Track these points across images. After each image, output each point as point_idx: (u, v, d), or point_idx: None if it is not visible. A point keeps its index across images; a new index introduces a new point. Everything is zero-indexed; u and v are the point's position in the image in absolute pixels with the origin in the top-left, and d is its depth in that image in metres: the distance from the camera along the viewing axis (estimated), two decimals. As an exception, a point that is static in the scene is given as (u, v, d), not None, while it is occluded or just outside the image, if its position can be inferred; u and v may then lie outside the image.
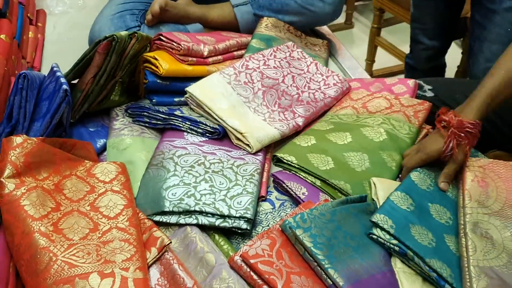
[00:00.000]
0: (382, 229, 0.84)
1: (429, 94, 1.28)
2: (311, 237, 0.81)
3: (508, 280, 0.77)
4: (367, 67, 2.80)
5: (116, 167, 0.98)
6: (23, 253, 0.78)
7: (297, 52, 1.33)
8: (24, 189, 0.85)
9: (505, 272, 0.78)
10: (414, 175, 0.97)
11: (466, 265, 0.80)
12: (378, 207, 0.91)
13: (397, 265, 0.83)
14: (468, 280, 0.78)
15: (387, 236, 0.84)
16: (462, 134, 0.93)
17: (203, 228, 0.90)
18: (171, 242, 0.83)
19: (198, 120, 1.10)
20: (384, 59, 2.92)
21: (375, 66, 2.88)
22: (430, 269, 0.80)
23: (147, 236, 0.86)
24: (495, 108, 0.99)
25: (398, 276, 0.81)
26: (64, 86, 0.95)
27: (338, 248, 0.82)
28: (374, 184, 0.97)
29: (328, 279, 0.78)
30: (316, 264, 0.80)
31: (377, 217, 0.85)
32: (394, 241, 0.83)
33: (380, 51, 2.80)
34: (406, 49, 2.25)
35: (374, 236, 0.85)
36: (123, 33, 1.07)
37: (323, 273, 0.78)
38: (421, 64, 2.07)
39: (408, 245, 0.82)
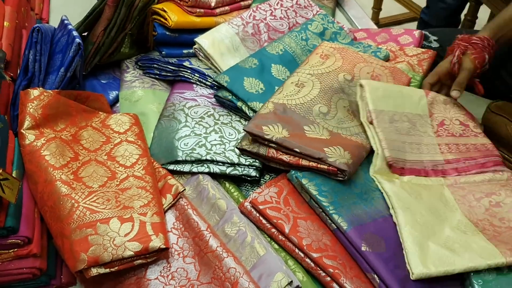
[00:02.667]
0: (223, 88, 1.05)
1: (435, 45, 1.29)
2: (316, 186, 0.86)
3: (291, 115, 0.95)
4: (374, 16, 2.77)
5: (130, 118, 1.02)
6: (46, 200, 0.83)
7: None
8: (44, 140, 0.89)
9: (294, 110, 0.97)
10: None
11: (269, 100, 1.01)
12: (365, 108, 1.00)
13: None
14: (264, 107, 0.98)
15: (225, 94, 1.05)
16: (467, 45, 1.02)
17: (214, 176, 0.95)
18: (185, 189, 0.88)
19: (206, 74, 1.12)
20: (390, 7, 2.89)
21: (382, 14, 2.84)
22: (250, 109, 1.03)
23: (162, 184, 0.91)
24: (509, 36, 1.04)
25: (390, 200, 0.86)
26: (77, 40, 0.98)
27: (342, 195, 0.87)
28: (362, 86, 1.02)
29: (333, 224, 0.83)
30: (321, 210, 0.85)
31: (219, 77, 1.06)
32: (229, 96, 1.04)
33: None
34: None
35: (217, 98, 1.08)
36: (132, -15, 1.08)
37: (328, 218, 0.83)
38: (438, 21, 2.04)
39: (236, 93, 1.03)
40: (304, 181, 0.87)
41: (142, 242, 0.79)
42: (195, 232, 0.83)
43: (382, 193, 0.91)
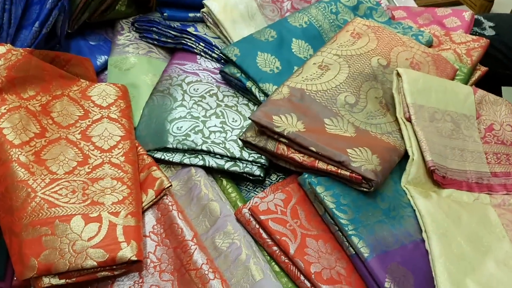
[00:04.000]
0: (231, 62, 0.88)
1: (489, 32, 1.09)
2: (334, 197, 0.69)
3: (310, 103, 0.78)
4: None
5: (117, 90, 0.85)
6: (-2, 184, 0.67)
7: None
8: (5, 108, 0.73)
9: (314, 98, 0.79)
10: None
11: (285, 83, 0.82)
12: (402, 102, 0.82)
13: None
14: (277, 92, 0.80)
15: (232, 70, 0.88)
16: None
17: (209, 170, 0.78)
18: (171, 185, 0.71)
19: (214, 44, 0.94)
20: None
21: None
22: (260, 92, 0.86)
23: (144, 175, 0.74)
24: None
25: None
26: (57, -11, 0.80)
27: (365, 211, 0.69)
28: (399, 75, 0.84)
29: (350, 248, 0.66)
30: (337, 228, 0.67)
31: (227, 49, 0.89)
32: (237, 73, 0.87)
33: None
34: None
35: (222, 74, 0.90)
36: None
37: (345, 240, 0.66)
38: None
39: (246, 71, 0.86)
40: (319, 189, 0.69)
41: (109, 250, 0.62)
42: (177, 241, 0.66)
43: (414, 210, 0.73)
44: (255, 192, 0.79)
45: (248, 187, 0.80)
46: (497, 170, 0.84)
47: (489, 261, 0.70)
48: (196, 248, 0.65)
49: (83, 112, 0.80)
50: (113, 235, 0.64)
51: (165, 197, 0.72)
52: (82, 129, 0.77)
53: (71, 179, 0.69)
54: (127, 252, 0.62)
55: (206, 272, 0.62)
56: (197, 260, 0.64)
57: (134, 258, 0.62)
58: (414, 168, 0.77)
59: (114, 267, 0.63)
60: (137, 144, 0.79)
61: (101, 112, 0.80)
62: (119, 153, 0.75)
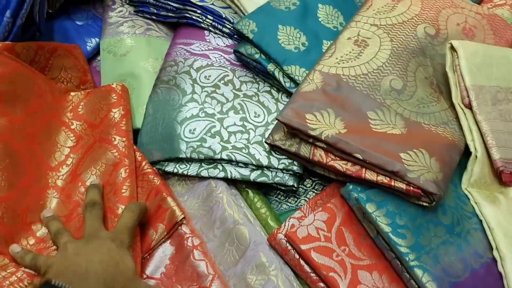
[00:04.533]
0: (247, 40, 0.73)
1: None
2: (388, 217, 0.56)
3: (348, 93, 0.64)
4: None
5: (112, 96, 0.69)
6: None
7: None
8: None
9: (353, 85, 0.65)
10: None
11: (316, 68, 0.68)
12: (459, 83, 0.68)
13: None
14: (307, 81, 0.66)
15: (249, 50, 0.73)
16: None
17: (232, 180, 0.66)
18: (184, 218, 0.59)
19: (224, 16, 0.78)
20: None
21: None
22: (285, 77, 0.71)
23: (152, 206, 0.61)
24: None
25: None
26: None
27: (426, 231, 0.57)
28: (454, 49, 0.69)
29: (412, 281, 0.54)
30: (394, 256, 0.56)
31: (241, 23, 0.73)
32: (255, 54, 0.72)
33: None
34: None
35: (237, 55, 0.75)
36: None
37: (405, 271, 0.55)
38: None
39: (267, 51, 0.71)
40: (369, 208, 0.57)
41: None
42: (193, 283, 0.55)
43: (481, 220, 0.61)
44: (288, 203, 0.67)
45: (279, 197, 0.68)
46: None
47: None
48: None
49: (74, 141, 0.66)
50: None
51: (180, 227, 0.60)
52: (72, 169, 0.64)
53: None
54: None
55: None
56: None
57: None
58: (477, 167, 0.64)
59: None
60: (140, 157, 0.65)
61: (94, 135, 0.66)
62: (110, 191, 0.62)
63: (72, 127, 0.66)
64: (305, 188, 0.68)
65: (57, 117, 0.66)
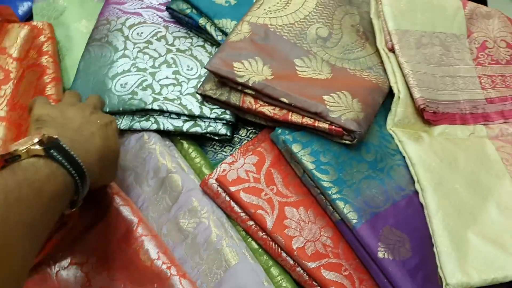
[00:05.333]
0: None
1: None
2: (313, 155, 0.59)
3: (276, 42, 0.66)
4: None
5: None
6: None
7: None
8: None
9: (280, 34, 0.67)
10: None
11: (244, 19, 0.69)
12: (383, 29, 0.70)
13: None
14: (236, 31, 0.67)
15: (181, 6, 0.73)
16: None
17: (166, 133, 0.67)
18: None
19: (156, -27, 0.79)
20: None
21: None
22: (217, 30, 0.72)
23: None
24: None
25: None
26: None
27: (349, 167, 0.60)
28: None
29: (336, 213, 0.57)
30: (319, 191, 0.58)
31: None
32: (187, 9, 0.73)
33: None
34: None
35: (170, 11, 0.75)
36: None
37: (329, 204, 0.57)
38: None
39: (197, 5, 0.72)
40: (295, 148, 0.59)
41: None
42: (120, 233, 0.56)
43: (404, 157, 0.64)
44: (224, 153, 0.69)
45: (215, 147, 0.69)
46: (492, 95, 0.75)
47: (491, 206, 0.62)
48: (143, 239, 0.55)
49: (3, 75, 0.66)
50: None
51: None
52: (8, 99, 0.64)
53: None
54: None
55: (161, 268, 0.53)
56: (147, 254, 0.54)
57: None
58: (401, 107, 0.66)
59: None
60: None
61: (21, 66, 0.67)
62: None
63: None
64: (240, 137, 0.70)
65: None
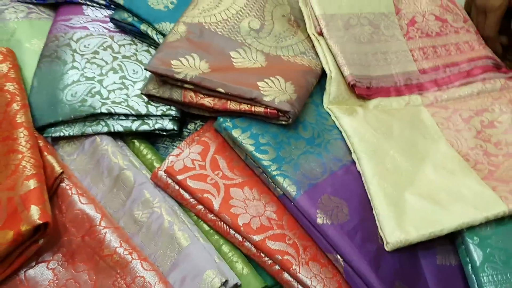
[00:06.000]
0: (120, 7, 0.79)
1: None
2: (252, 138, 0.63)
3: (211, 38, 0.71)
4: None
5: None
6: None
7: None
8: None
9: (215, 31, 0.72)
10: None
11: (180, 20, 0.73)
12: (311, 15, 0.75)
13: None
14: (172, 32, 0.71)
15: (123, 15, 0.78)
16: None
17: (118, 134, 0.71)
18: (63, 172, 0.63)
19: (97, -13, 0.83)
20: None
21: None
22: (158, 34, 0.76)
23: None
24: None
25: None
26: None
27: (287, 145, 0.64)
28: None
29: (278, 188, 0.61)
30: (261, 170, 0.62)
31: None
32: (128, 18, 0.78)
33: None
34: None
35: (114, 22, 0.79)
36: None
37: (271, 181, 0.62)
38: None
39: (137, 13, 0.76)
40: (235, 133, 0.64)
41: (12, 227, 0.55)
42: (84, 228, 0.60)
43: (341, 131, 0.69)
44: (174, 147, 0.73)
45: (166, 143, 0.73)
46: (425, 66, 0.80)
47: (427, 168, 0.67)
48: (106, 231, 0.59)
49: None
50: (13, 209, 0.57)
51: (62, 183, 0.64)
52: None
53: None
54: (29, 219, 0.55)
55: (123, 255, 0.57)
56: (109, 244, 0.58)
57: (38, 222, 0.55)
58: (334, 86, 0.71)
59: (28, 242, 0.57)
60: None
61: None
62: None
63: None
64: (188, 131, 0.74)
65: None
